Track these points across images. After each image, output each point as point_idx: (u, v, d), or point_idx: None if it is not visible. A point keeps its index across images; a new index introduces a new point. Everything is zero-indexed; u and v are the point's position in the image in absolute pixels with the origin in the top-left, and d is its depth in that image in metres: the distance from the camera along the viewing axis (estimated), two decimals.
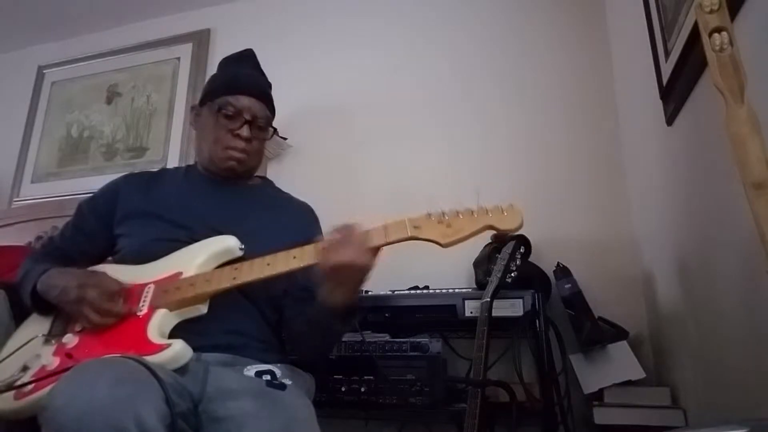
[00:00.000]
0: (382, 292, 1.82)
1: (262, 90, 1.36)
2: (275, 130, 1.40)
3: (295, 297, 1.25)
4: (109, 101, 2.98)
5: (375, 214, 1.11)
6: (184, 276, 1.14)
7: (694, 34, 1.07)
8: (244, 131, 1.29)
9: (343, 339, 1.68)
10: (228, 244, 1.18)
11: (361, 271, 1.06)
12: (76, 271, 1.18)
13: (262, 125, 1.34)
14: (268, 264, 1.10)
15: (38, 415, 0.87)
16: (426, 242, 1.06)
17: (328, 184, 2.32)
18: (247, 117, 1.30)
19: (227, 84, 1.33)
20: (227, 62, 1.44)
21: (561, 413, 1.61)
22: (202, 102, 1.37)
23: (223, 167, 1.32)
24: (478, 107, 2.29)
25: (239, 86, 1.32)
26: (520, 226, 1.05)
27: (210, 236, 1.20)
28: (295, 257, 1.10)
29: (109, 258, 1.32)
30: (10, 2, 2.91)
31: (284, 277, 1.14)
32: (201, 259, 1.16)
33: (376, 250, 1.07)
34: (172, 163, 2.63)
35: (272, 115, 1.38)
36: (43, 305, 1.19)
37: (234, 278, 1.11)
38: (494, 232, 1.07)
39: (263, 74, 1.42)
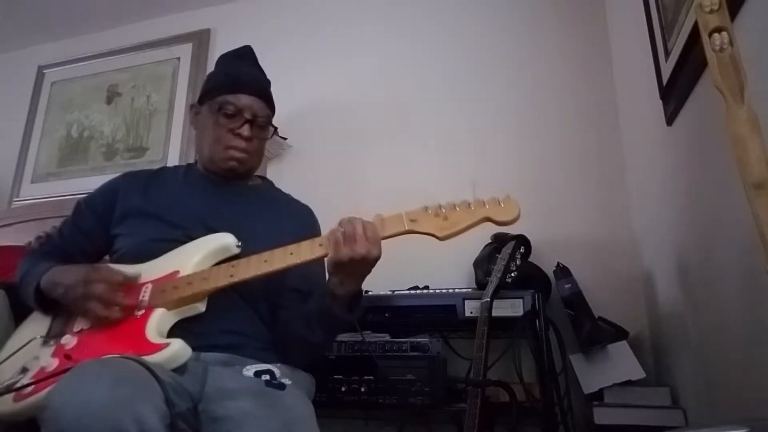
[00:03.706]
0: (382, 292, 1.82)
1: (262, 88, 1.34)
2: (276, 129, 1.38)
3: (292, 298, 1.23)
4: (109, 101, 2.98)
5: (375, 213, 1.11)
6: (181, 275, 1.13)
7: (694, 34, 1.07)
8: (245, 130, 1.28)
9: (343, 339, 1.68)
10: (225, 241, 1.18)
11: (371, 263, 1.07)
12: (80, 267, 1.17)
13: (263, 124, 1.32)
14: (266, 261, 1.10)
15: (37, 416, 0.87)
16: (425, 239, 1.05)
17: (328, 184, 2.32)
18: (248, 116, 1.28)
19: (227, 82, 1.31)
20: (225, 59, 1.41)
21: (561, 413, 1.61)
22: (201, 100, 1.35)
23: (225, 167, 1.31)
24: (478, 108, 2.29)
25: (240, 84, 1.30)
26: (517, 218, 1.04)
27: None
28: (292, 253, 1.09)
29: (107, 257, 1.31)
30: (10, 2, 2.90)
31: (281, 277, 1.14)
32: (198, 257, 1.16)
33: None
34: (172, 163, 2.62)
35: (272, 114, 1.37)
36: (47, 303, 1.19)
37: (231, 275, 1.10)
38: (492, 224, 1.06)
39: (262, 72, 1.40)
